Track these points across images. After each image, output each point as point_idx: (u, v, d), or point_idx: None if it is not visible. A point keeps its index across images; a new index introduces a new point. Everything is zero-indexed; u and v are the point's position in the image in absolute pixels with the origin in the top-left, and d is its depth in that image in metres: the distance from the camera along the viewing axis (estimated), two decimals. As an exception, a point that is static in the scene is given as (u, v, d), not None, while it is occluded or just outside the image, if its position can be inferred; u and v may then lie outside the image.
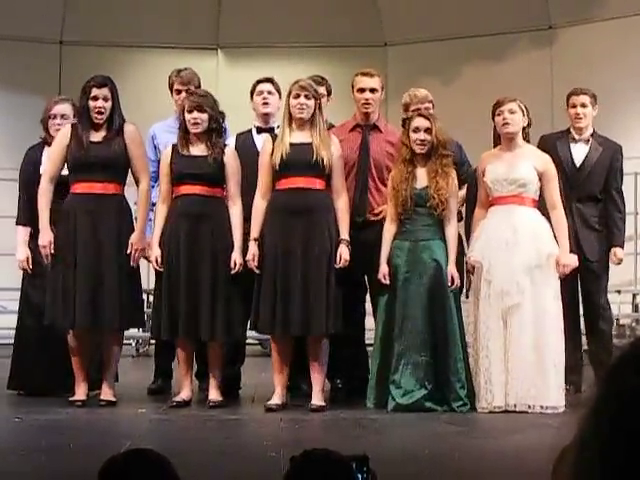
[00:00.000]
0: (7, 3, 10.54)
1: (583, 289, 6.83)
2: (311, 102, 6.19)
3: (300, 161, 6.08)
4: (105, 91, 6.28)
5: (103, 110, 6.25)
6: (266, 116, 6.78)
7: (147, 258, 6.39)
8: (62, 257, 6.18)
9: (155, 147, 6.87)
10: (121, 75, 10.30)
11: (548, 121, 8.94)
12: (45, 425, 5.63)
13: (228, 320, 6.17)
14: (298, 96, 6.18)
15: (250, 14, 11.11)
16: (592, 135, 6.90)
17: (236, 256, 6.16)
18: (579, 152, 6.87)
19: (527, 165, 6.26)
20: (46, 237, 6.21)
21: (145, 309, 7.01)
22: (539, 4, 10.46)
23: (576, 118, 6.86)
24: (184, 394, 6.26)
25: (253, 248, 6.13)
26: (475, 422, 5.87)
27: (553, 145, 6.82)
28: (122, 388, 6.58)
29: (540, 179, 6.26)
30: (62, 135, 6.35)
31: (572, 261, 6.26)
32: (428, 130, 6.17)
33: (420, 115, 6.27)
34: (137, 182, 6.36)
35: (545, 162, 6.34)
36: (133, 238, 6.21)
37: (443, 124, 6.27)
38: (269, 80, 6.84)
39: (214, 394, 6.23)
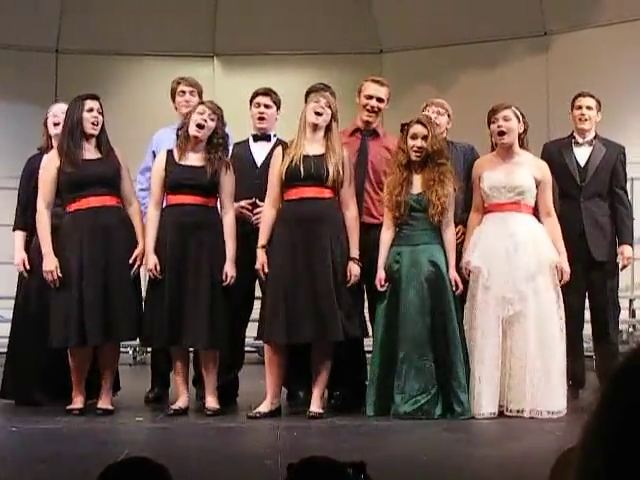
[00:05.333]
0: (2, 12, 10.54)
1: (591, 291, 6.77)
2: (328, 110, 6.19)
3: (311, 173, 6.07)
4: (98, 104, 6.27)
5: (98, 122, 6.23)
6: (262, 129, 6.77)
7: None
8: (67, 274, 6.13)
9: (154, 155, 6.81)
10: (117, 83, 10.32)
11: (544, 127, 8.95)
12: (42, 434, 5.62)
13: (222, 329, 6.15)
14: (318, 101, 6.18)
15: (246, 22, 11.11)
16: (595, 137, 6.90)
17: (228, 268, 6.15)
18: (583, 154, 6.85)
19: (526, 173, 6.26)
20: (51, 263, 6.13)
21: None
22: (534, 10, 10.47)
23: (580, 119, 6.84)
24: (181, 402, 6.25)
25: (262, 257, 6.12)
26: (473, 429, 5.86)
27: (557, 151, 6.82)
28: (120, 396, 6.58)
29: (537, 186, 6.27)
30: (50, 160, 6.28)
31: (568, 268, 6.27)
32: (425, 138, 6.17)
33: (419, 122, 6.26)
34: (127, 204, 6.31)
35: (543, 170, 6.34)
36: (137, 252, 6.21)
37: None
38: (267, 93, 6.76)
39: (211, 401, 6.22)
